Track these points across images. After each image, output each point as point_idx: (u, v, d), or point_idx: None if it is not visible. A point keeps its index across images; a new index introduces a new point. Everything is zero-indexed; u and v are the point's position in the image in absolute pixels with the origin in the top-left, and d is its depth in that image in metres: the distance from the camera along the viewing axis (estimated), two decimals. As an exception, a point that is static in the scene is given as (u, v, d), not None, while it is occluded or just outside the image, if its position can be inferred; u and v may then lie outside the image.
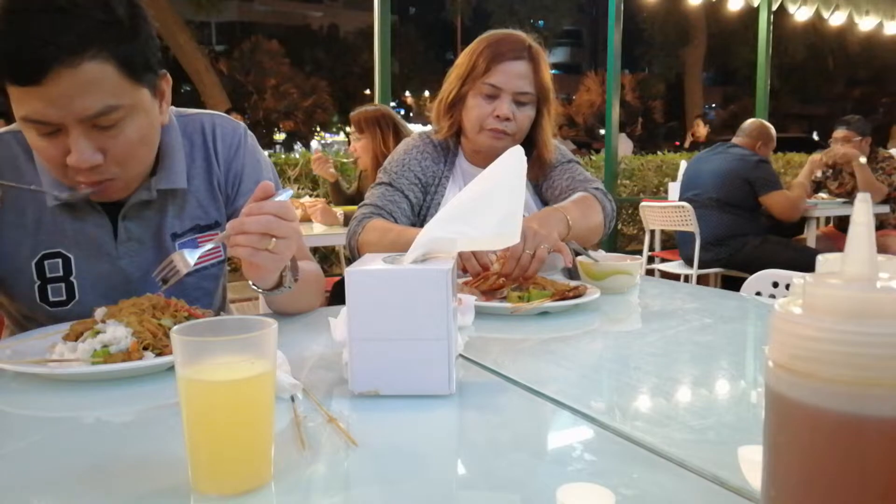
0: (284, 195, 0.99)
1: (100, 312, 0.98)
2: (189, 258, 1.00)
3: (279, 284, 1.09)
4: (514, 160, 0.94)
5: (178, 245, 1.22)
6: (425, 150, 1.71)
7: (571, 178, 1.70)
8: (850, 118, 4.60)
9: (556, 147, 1.76)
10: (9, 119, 1.22)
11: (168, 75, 1.13)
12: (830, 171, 4.75)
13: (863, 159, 4.37)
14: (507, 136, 1.61)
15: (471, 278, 1.43)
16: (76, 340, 0.94)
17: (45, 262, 1.15)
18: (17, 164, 1.14)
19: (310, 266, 1.30)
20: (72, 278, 1.16)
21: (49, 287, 1.16)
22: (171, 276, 0.99)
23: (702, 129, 7.62)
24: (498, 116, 1.59)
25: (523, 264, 1.30)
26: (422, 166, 1.68)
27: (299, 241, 1.38)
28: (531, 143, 1.68)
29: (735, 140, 4.09)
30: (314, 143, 21.71)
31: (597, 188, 1.69)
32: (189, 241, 1.24)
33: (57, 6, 0.93)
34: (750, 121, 4.24)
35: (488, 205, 0.90)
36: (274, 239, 0.94)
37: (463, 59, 1.65)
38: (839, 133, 4.52)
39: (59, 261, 1.16)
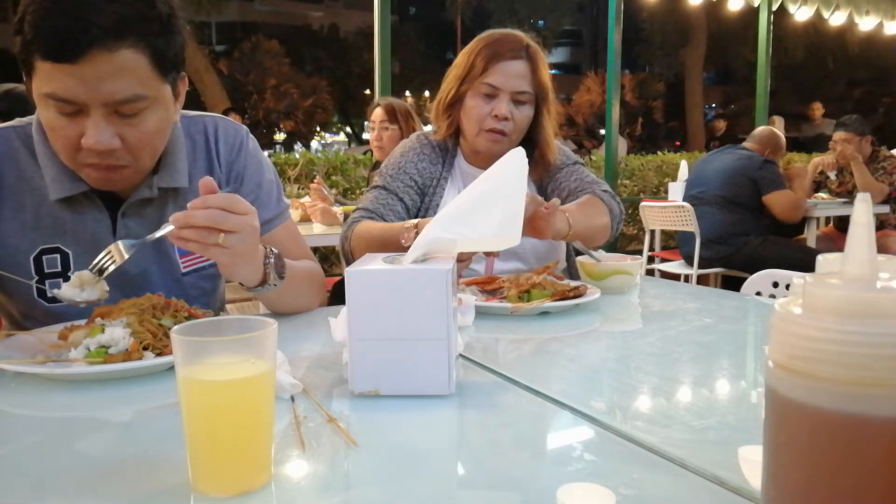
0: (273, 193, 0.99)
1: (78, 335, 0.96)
2: (124, 250, 1.01)
3: (264, 282, 1.09)
4: (515, 162, 0.94)
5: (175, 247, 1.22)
6: (422, 151, 1.71)
7: (579, 179, 1.70)
8: (847, 119, 4.61)
9: (560, 149, 1.76)
10: (6, 119, 1.21)
11: (186, 78, 1.15)
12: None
13: (857, 158, 4.38)
14: (505, 138, 1.61)
15: (470, 278, 1.43)
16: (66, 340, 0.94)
17: (44, 258, 1.16)
18: (17, 157, 1.15)
19: (307, 264, 1.30)
20: (70, 274, 1.16)
21: (47, 283, 1.16)
22: (109, 266, 1.00)
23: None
24: (496, 116, 1.59)
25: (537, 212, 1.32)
26: (418, 168, 1.68)
27: (298, 238, 1.39)
28: (532, 143, 1.68)
29: (745, 144, 4.13)
30: (314, 143, 21.72)
31: (605, 190, 1.69)
32: None
33: None
34: (762, 127, 4.30)
35: (489, 206, 0.90)
36: (222, 233, 0.94)
37: (461, 59, 1.65)
38: (839, 135, 4.53)
39: (58, 256, 1.16)
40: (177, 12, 1.06)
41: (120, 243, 1.01)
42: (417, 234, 1.41)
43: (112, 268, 1.00)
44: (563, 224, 1.45)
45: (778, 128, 9.01)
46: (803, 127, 10.39)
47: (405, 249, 1.40)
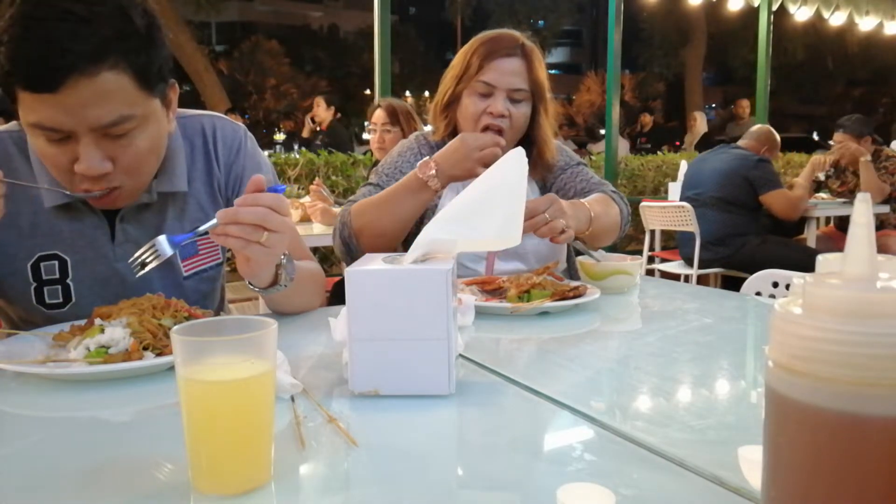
0: (279, 191, 0.98)
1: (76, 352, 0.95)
2: (168, 246, 0.98)
3: (275, 282, 1.09)
4: (515, 162, 0.94)
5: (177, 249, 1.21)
6: (420, 151, 1.71)
7: (585, 180, 1.71)
8: (846, 121, 4.59)
9: (562, 149, 1.77)
10: (8, 118, 1.20)
11: (176, 84, 1.13)
12: (832, 169, 4.75)
13: (865, 157, 4.37)
14: (501, 136, 1.61)
15: (470, 278, 1.43)
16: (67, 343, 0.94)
17: (41, 265, 1.15)
18: (13, 164, 1.13)
19: (309, 265, 1.30)
20: (68, 280, 1.16)
21: (45, 289, 1.15)
22: (151, 261, 0.98)
23: None
24: (492, 113, 1.59)
25: (537, 222, 1.30)
26: (415, 168, 1.68)
27: (298, 239, 1.39)
28: (530, 142, 1.68)
29: (740, 143, 4.11)
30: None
31: (613, 191, 1.70)
32: (190, 245, 1.23)
33: (77, 15, 0.92)
34: (757, 126, 4.28)
35: (489, 206, 0.90)
36: (266, 232, 0.93)
37: (458, 59, 1.66)
38: (838, 137, 4.53)
39: (56, 263, 1.15)
40: (156, 21, 1.02)
41: (162, 239, 0.99)
42: (437, 168, 1.42)
43: (154, 263, 0.98)
44: (585, 218, 1.46)
45: (699, 124, 8.79)
46: (729, 126, 9.25)
47: (424, 189, 1.42)
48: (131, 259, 0.99)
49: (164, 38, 1.04)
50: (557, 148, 1.75)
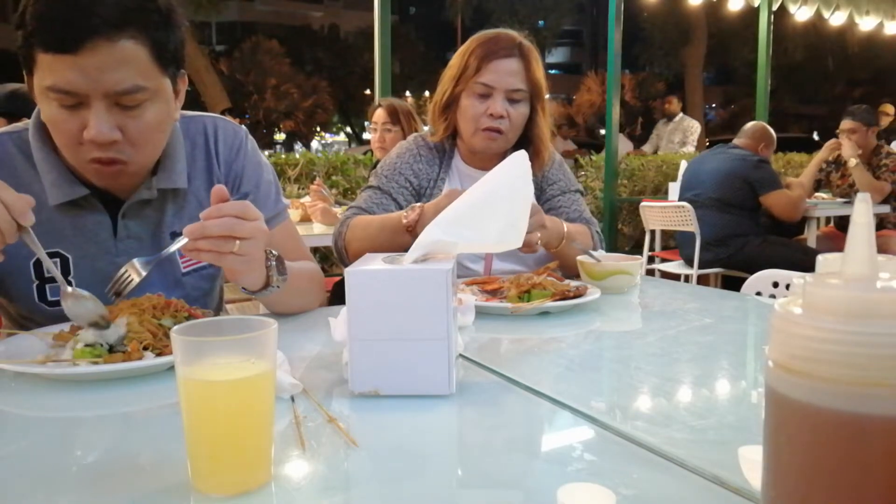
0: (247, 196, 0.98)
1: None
2: (140, 268, 0.99)
3: (267, 285, 1.09)
4: (518, 167, 0.94)
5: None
6: (419, 152, 1.71)
7: (578, 211, 1.75)
8: (855, 108, 4.57)
9: (566, 172, 1.81)
10: (9, 119, 1.21)
11: (185, 77, 1.16)
12: (833, 165, 4.74)
13: (854, 161, 4.35)
14: (502, 136, 1.62)
15: (470, 278, 1.43)
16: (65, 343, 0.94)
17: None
18: (14, 164, 1.14)
19: (307, 265, 1.30)
20: (70, 278, 1.16)
21: (47, 287, 1.16)
22: (126, 287, 0.98)
23: None
24: (492, 115, 1.60)
25: None
26: (413, 169, 1.69)
27: (297, 239, 1.39)
28: (528, 141, 1.69)
29: (736, 141, 4.10)
30: (315, 143, 21.73)
31: (597, 231, 1.74)
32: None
33: None
34: (752, 123, 4.25)
35: (491, 210, 0.90)
36: (238, 241, 0.93)
37: (455, 60, 1.66)
38: (846, 124, 4.50)
39: (58, 261, 1.16)
40: (176, 8, 1.07)
41: (136, 261, 0.99)
42: (421, 214, 1.42)
43: (130, 287, 0.98)
44: (557, 234, 1.50)
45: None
46: None
47: (404, 233, 1.43)
48: (107, 289, 0.99)
49: (182, 26, 1.09)
50: (559, 166, 1.78)
